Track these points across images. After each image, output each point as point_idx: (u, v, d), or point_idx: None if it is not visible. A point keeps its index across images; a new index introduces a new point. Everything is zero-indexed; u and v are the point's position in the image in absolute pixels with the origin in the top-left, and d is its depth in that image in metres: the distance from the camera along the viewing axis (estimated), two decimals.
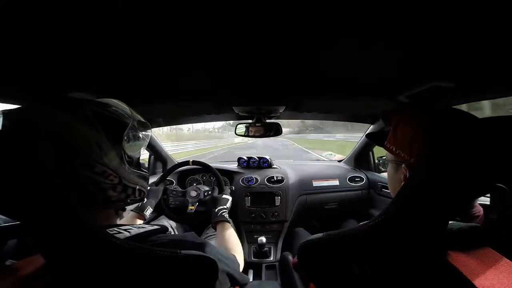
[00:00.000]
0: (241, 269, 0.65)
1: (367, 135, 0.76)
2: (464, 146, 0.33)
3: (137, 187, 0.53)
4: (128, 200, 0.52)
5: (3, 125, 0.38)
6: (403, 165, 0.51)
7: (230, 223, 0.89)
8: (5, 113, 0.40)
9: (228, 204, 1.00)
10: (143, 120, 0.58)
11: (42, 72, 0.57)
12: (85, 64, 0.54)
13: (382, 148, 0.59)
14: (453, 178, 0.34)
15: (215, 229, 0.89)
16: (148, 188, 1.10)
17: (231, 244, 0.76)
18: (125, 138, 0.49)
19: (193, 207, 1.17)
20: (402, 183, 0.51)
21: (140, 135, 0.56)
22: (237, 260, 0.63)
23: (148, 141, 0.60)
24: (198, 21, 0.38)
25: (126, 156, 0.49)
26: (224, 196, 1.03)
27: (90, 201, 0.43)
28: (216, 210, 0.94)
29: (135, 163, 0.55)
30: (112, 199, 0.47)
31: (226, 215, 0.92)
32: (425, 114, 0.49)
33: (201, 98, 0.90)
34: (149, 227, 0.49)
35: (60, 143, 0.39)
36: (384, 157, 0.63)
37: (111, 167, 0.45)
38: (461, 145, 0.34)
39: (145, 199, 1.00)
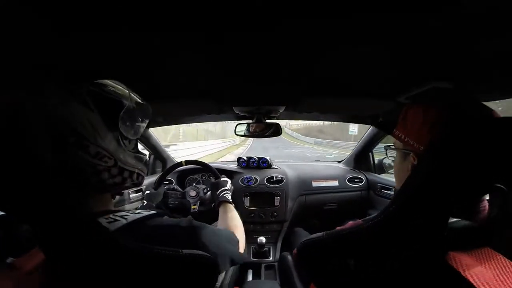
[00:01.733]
0: (242, 249, 0.65)
1: (377, 124, 0.74)
2: (470, 142, 0.33)
3: (135, 171, 0.52)
4: (125, 184, 0.50)
5: None
6: (411, 154, 0.50)
7: (232, 204, 0.90)
8: None
9: (228, 186, 1.01)
10: (141, 101, 0.55)
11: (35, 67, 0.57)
12: (83, 63, 0.54)
13: (381, 149, 0.58)
14: (456, 174, 0.34)
15: (217, 210, 0.90)
16: (148, 192, 1.10)
17: (233, 224, 0.76)
18: (122, 118, 0.47)
19: (195, 206, 1.18)
20: (409, 173, 0.51)
21: (139, 117, 0.54)
22: (236, 237, 0.62)
23: (147, 122, 0.57)
24: (198, 20, 0.38)
25: (122, 137, 0.48)
26: (223, 179, 1.03)
27: (84, 184, 0.43)
28: (218, 192, 0.95)
29: (133, 145, 0.53)
30: (107, 183, 0.45)
31: (228, 197, 0.94)
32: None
33: (201, 98, 0.90)
34: (145, 212, 0.48)
35: (52, 121, 0.38)
36: (391, 146, 0.61)
37: (105, 148, 0.43)
38: (467, 141, 0.34)
39: (145, 202, 1.01)
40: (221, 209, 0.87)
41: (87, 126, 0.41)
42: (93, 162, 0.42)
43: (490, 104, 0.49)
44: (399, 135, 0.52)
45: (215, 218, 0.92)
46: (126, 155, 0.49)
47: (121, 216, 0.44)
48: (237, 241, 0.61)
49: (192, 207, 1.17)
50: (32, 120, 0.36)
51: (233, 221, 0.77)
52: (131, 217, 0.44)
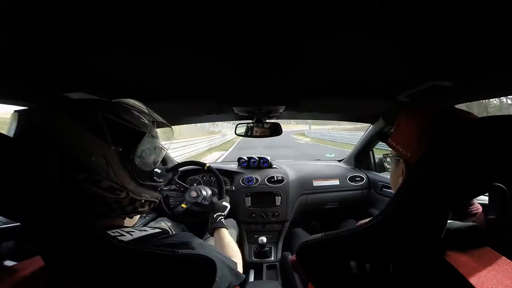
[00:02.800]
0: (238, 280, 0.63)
1: (378, 134, 0.78)
2: (464, 143, 0.33)
3: (148, 199, 0.50)
4: (136, 212, 0.50)
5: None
6: (401, 160, 0.53)
7: (227, 229, 0.90)
8: (17, 114, 0.39)
9: (226, 212, 1.01)
10: (164, 121, 0.53)
11: (42, 71, 0.57)
12: (84, 63, 0.54)
13: (381, 146, 0.59)
14: (452, 175, 0.34)
15: (212, 235, 0.88)
16: (159, 171, 1.11)
17: (231, 251, 0.74)
18: (138, 152, 0.45)
19: (185, 206, 1.19)
20: (400, 178, 0.53)
21: (158, 145, 0.51)
22: (236, 266, 0.60)
23: (166, 151, 0.55)
24: (198, 19, 0.38)
25: (137, 170, 0.46)
26: (224, 203, 1.03)
27: (93, 212, 0.42)
28: (214, 216, 0.94)
29: (148, 174, 0.51)
30: (118, 212, 0.45)
31: (224, 221, 0.93)
32: (426, 110, 0.50)
33: (201, 98, 0.90)
34: (151, 230, 0.48)
35: (65, 153, 0.37)
36: (389, 154, 0.65)
37: (118, 182, 0.42)
38: (462, 143, 0.33)
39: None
40: (216, 234, 0.85)
41: (101, 163, 0.40)
42: (103, 195, 0.41)
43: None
44: (392, 143, 0.56)
45: (200, 222, 0.93)
46: (139, 185, 0.47)
47: (128, 232, 0.43)
48: (236, 271, 0.59)
49: (182, 205, 1.18)
50: (43, 146, 0.37)
51: (230, 250, 0.75)
52: (137, 233, 0.44)
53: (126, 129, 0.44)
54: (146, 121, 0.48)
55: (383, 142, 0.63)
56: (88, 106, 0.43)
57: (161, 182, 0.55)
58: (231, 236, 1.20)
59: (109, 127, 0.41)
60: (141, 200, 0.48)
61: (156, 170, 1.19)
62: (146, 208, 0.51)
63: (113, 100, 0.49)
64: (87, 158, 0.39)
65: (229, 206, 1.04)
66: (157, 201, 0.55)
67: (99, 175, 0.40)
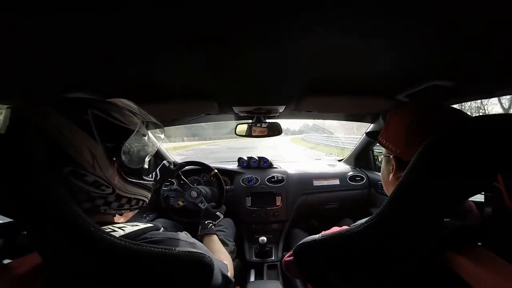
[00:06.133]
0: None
1: (367, 133, 0.78)
2: (462, 143, 0.33)
3: (135, 197, 0.51)
4: (122, 210, 0.50)
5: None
6: (391, 156, 0.54)
7: (217, 235, 0.91)
8: (10, 109, 0.40)
9: (217, 222, 1.02)
10: (155, 121, 0.54)
11: (37, 72, 0.57)
12: (82, 64, 0.54)
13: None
14: (448, 176, 0.34)
15: (202, 241, 0.88)
16: (167, 164, 1.14)
17: (220, 256, 0.73)
18: (125, 149, 0.46)
19: (181, 203, 1.20)
20: (391, 175, 0.54)
21: (147, 143, 0.52)
22: (226, 267, 0.60)
23: (156, 148, 0.55)
24: (198, 21, 0.38)
25: (124, 167, 0.47)
26: (218, 213, 1.04)
27: (78, 207, 0.42)
28: (206, 222, 0.94)
29: (137, 171, 0.52)
30: (102, 208, 0.45)
31: (214, 228, 0.94)
32: (414, 107, 0.51)
33: (201, 98, 0.90)
34: (142, 225, 0.49)
35: (52, 147, 0.38)
36: (381, 152, 0.65)
37: (104, 177, 0.43)
38: (459, 142, 0.33)
39: (158, 174, 1.07)
40: (205, 241, 0.86)
41: (87, 157, 0.40)
42: (88, 190, 0.41)
43: None
44: (382, 141, 0.56)
45: (197, 223, 0.94)
46: (126, 182, 0.47)
47: (120, 227, 0.44)
48: (226, 274, 0.58)
49: (179, 202, 1.20)
50: (34, 139, 0.37)
51: (219, 255, 0.74)
52: (129, 228, 0.45)
53: (114, 126, 0.45)
54: (136, 120, 0.49)
55: (373, 140, 0.63)
56: (78, 103, 0.44)
57: (151, 181, 0.55)
58: (230, 236, 1.21)
59: (97, 123, 0.42)
60: (128, 197, 0.49)
61: (164, 163, 1.20)
62: (134, 206, 0.52)
63: (106, 100, 0.50)
64: (74, 151, 0.39)
65: (222, 217, 1.05)
66: (147, 200, 0.55)
67: (84, 169, 0.40)
